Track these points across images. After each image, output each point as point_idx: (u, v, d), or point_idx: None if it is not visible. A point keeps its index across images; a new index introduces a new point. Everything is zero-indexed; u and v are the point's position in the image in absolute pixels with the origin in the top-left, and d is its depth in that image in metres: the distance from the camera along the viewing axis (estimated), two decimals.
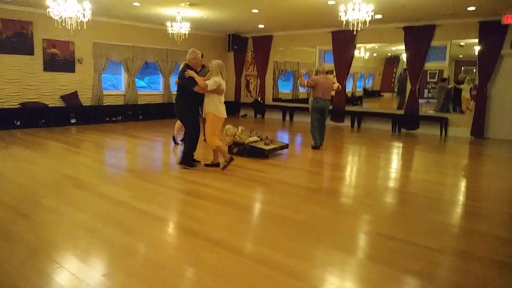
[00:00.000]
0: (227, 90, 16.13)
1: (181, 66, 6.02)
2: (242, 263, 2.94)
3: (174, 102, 6.02)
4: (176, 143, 7.83)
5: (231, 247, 3.21)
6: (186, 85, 5.59)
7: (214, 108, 5.63)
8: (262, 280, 2.70)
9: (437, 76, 11.19)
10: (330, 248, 3.28)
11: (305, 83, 7.81)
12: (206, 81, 5.48)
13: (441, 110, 10.90)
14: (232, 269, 2.85)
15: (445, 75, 10.96)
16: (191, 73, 5.52)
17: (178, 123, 7.52)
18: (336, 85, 8.02)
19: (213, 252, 3.14)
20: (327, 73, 7.94)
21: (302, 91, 14.24)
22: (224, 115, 5.75)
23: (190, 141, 5.89)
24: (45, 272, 2.74)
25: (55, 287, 2.57)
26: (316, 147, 7.91)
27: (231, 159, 5.86)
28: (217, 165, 5.96)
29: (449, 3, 8.09)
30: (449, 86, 10.95)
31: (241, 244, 3.31)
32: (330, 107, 8.77)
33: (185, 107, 5.80)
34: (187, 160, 5.93)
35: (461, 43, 10.42)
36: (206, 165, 6.02)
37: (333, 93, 8.01)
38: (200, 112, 6.03)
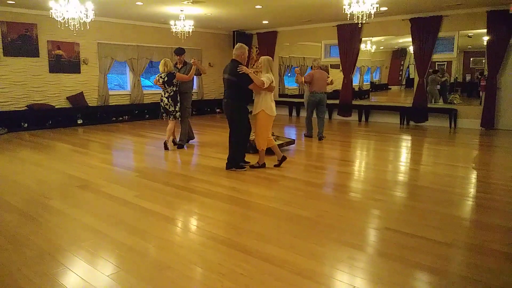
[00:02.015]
0: None
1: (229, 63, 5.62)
2: (248, 261, 2.89)
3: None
4: (175, 143, 7.50)
5: (237, 246, 3.17)
6: (241, 82, 5.36)
7: (266, 106, 5.49)
8: (269, 279, 2.66)
9: (445, 67, 11.03)
10: (338, 245, 3.23)
11: (302, 80, 8.15)
12: (261, 79, 5.33)
13: (436, 102, 10.83)
14: (238, 267, 2.80)
15: (435, 69, 10.81)
16: (245, 69, 5.31)
17: (170, 126, 7.14)
18: (330, 79, 8.46)
19: (219, 251, 3.10)
20: (320, 68, 8.39)
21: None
22: (275, 113, 5.63)
23: (241, 143, 5.67)
24: (51, 275, 2.72)
25: None
26: (308, 136, 8.57)
27: (263, 165, 5.76)
28: (284, 158, 5.85)
29: None
30: (443, 79, 10.84)
31: (248, 242, 3.26)
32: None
33: (239, 107, 5.52)
34: (235, 163, 5.68)
35: (469, 34, 10.24)
36: (276, 165, 5.84)
37: (328, 87, 8.43)
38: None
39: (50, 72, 10.21)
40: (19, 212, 3.98)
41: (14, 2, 8.82)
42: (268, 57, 5.68)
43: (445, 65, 11.00)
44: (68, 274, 2.74)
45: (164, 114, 7.17)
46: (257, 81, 5.30)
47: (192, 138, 7.73)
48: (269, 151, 6.01)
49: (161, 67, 6.97)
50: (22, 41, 9.64)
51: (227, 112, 5.62)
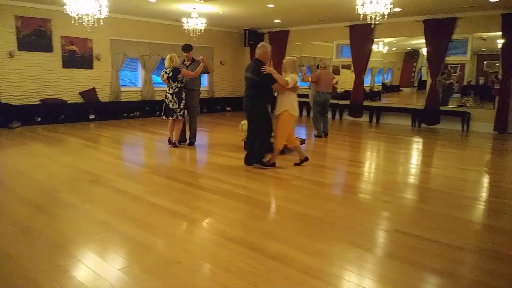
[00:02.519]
0: (244, 85, 15.86)
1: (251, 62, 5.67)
2: (256, 259, 2.90)
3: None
4: (170, 142, 7.20)
5: (245, 243, 3.18)
6: (264, 82, 5.34)
7: (290, 106, 5.47)
8: (277, 277, 2.67)
9: (458, 70, 10.92)
10: (347, 245, 3.22)
11: (308, 79, 8.35)
12: (285, 78, 5.32)
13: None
14: (246, 265, 2.82)
15: (466, 69, 10.70)
16: (269, 69, 5.30)
17: (172, 125, 7.03)
18: (336, 80, 8.78)
19: (227, 248, 3.11)
20: (325, 68, 8.62)
21: None
22: (298, 113, 5.61)
23: (264, 140, 5.66)
24: (63, 266, 2.76)
25: (72, 281, 2.59)
26: (319, 136, 8.64)
27: (274, 165, 5.73)
28: (306, 159, 5.84)
29: None
30: (448, 81, 10.74)
31: (256, 240, 3.27)
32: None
33: (260, 106, 5.51)
34: (261, 160, 5.67)
35: (484, 36, 10.13)
36: (298, 165, 5.83)
37: (338, 87, 8.75)
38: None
39: (63, 67, 10.31)
40: (32, 205, 4.04)
41: None
42: (293, 57, 5.67)
43: (458, 67, 10.88)
44: (79, 267, 2.77)
45: (163, 113, 6.93)
46: (281, 81, 5.29)
47: (185, 140, 7.40)
48: (270, 150, 6.01)
49: (166, 62, 6.77)
50: (36, 36, 9.75)
51: (248, 110, 5.63)
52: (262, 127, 5.59)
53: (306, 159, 5.86)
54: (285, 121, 5.53)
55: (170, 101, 6.83)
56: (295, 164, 5.84)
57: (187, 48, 7.14)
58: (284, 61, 5.63)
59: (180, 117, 6.93)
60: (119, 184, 4.82)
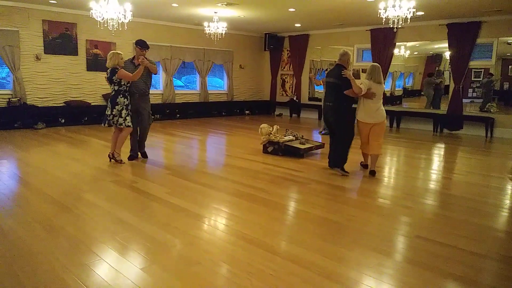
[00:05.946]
0: (264, 88, 15.91)
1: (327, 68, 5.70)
2: (275, 262, 2.91)
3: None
4: (112, 158, 6.02)
5: (265, 246, 3.19)
6: (342, 85, 5.39)
7: (359, 112, 5.58)
8: (296, 280, 2.67)
9: (482, 74, 10.69)
10: (366, 250, 3.20)
11: (320, 82, 8.63)
12: (359, 85, 5.30)
13: (434, 107, 10.97)
14: (266, 267, 2.83)
15: (490, 72, 10.46)
16: (348, 74, 5.31)
17: (114, 135, 5.99)
18: None
19: (247, 250, 3.13)
20: None
21: None
22: (366, 120, 5.52)
23: (345, 146, 5.64)
24: (86, 264, 2.83)
25: (95, 279, 2.64)
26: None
27: (373, 173, 5.61)
28: (373, 172, 5.65)
29: None
30: (438, 81, 10.60)
31: (275, 243, 3.28)
32: None
33: (343, 109, 5.54)
34: (342, 165, 5.63)
35: (509, 41, 9.91)
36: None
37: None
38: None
39: (87, 70, 10.56)
40: (56, 204, 4.15)
41: (56, 2, 9.17)
42: (374, 63, 5.61)
43: (482, 72, 10.66)
44: (102, 265, 2.84)
45: (106, 121, 5.85)
46: (355, 88, 5.29)
47: (137, 154, 6.37)
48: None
49: (107, 61, 5.75)
50: (62, 39, 10.02)
51: (333, 115, 5.65)
52: (344, 130, 5.60)
53: (373, 172, 5.64)
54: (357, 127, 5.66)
55: (108, 107, 5.83)
56: (370, 173, 5.65)
57: (143, 44, 5.97)
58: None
59: (114, 125, 5.86)
60: (140, 185, 4.90)
